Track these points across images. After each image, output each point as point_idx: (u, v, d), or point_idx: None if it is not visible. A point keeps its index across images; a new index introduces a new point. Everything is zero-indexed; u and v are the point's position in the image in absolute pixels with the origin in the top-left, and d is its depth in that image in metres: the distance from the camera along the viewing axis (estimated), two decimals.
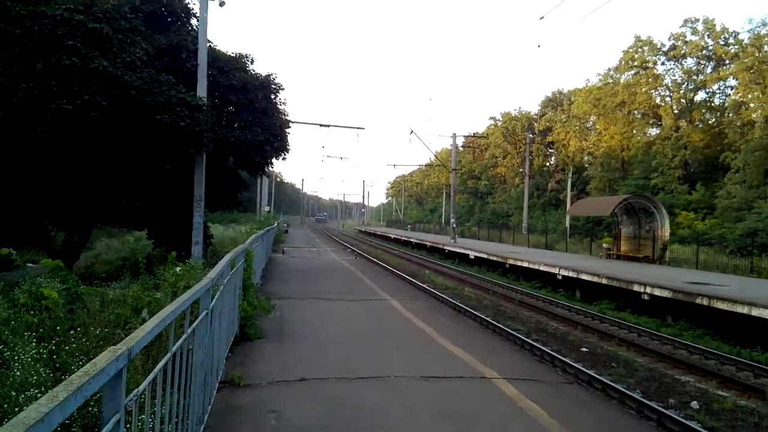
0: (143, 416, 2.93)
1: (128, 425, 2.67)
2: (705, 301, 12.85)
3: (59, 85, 12.68)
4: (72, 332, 5.81)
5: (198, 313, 4.33)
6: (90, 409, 4.06)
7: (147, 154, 14.63)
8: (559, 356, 9.99)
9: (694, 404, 8.23)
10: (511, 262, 23.88)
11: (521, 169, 58.20)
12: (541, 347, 10.65)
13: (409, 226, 73.91)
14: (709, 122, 46.31)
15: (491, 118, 77.53)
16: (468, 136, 60.78)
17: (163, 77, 14.79)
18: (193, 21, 18.25)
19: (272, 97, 19.30)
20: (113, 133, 13.86)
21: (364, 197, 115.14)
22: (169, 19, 17.89)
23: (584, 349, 11.51)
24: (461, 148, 59.53)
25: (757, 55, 38.54)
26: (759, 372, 9.93)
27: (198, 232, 15.40)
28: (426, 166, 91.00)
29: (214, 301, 4.80)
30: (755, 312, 11.50)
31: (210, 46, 16.59)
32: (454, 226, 37.63)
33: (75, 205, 15.04)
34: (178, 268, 8.42)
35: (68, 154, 13.97)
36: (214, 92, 17.30)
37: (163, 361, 3.09)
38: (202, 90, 15.25)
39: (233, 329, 7.90)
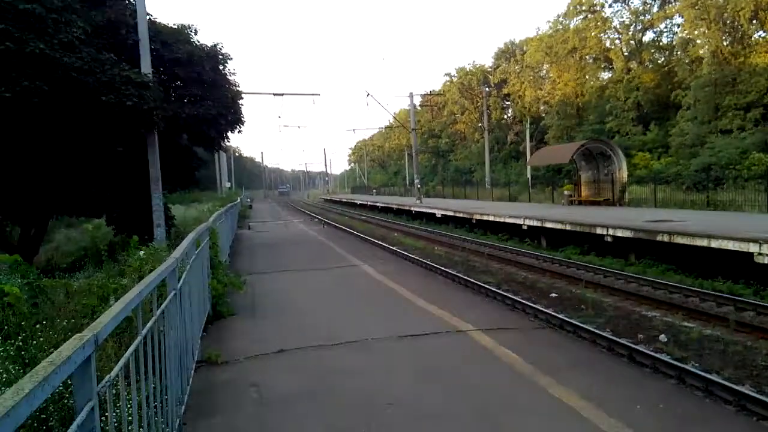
0: (120, 402, 2.87)
1: (106, 413, 2.62)
2: (665, 238, 13.26)
3: None
4: (38, 326, 5.66)
5: (166, 295, 4.25)
6: (66, 401, 3.98)
7: (96, 137, 14.13)
8: (529, 304, 10.21)
9: (662, 337, 8.55)
10: (477, 217, 24.16)
11: (480, 124, 58.49)
12: (512, 297, 10.86)
13: (374, 190, 73.87)
14: (659, 62, 47.15)
15: (447, 74, 77.59)
16: (425, 95, 60.63)
17: (104, 56, 14.17)
18: None
19: (221, 68, 18.78)
20: (58, 119, 13.31)
21: (326, 165, 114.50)
22: None
23: (553, 295, 11.80)
24: (419, 108, 59.35)
25: None
26: (721, 301, 10.35)
27: (159, 214, 15.05)
28: (386, 128, 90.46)
29: (181, 281, 4.71)
30: (714, 244, 11.92)
31: (150, 19, 15.91)
32: (419, 186, 37.76)
33: (27, 197, 14.49)
34: (141, 253, 8.23)
35: (12, 143, 13.37)
36: (159, 67, 16.72)
37: (134, 345, 3.02)
38: (146, 66, 14.67)
39: (205, 308, 7.81)
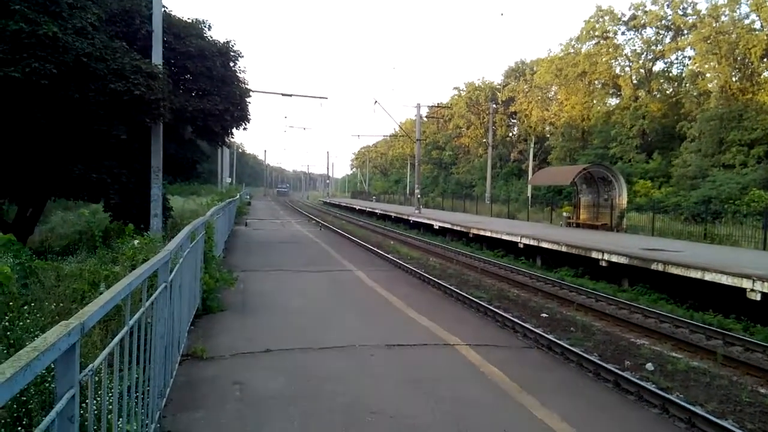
0: (101, 391, 2.87)
1: (87, 400, 2.62)
2: (660, 267, 13.28)
3: (6, 52, 12.07)
4: (26, 308, 5.65)
5: (156, 286, 4.25)
6: (47, 385, 3.97)
7: (101, 124, 14.12)
8: (519, 322, 10.22)
9: (649, 366, 8.55)
10: (475, 231, 24.18)
11: (484, 140, 58.57)
12: (503, 314, 10.87)
13: (374, 197, 73.90)
14: (667, 92, 47.33)
15: (455, 88, 77.62)
16: (432, 107, 60.76)
17: (116, 44, 14.22)
18: None
19: (231, 64, 18.82)
20: (65, 103, 13.32)
21: (328, 168, 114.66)
22: None
23: (544, 315, 11.80)
24: (425, 119, 59.50)
25: (714, 25, 39.29)
26: (711, 334, 10.36)
27: (157, 204, 15.04)
28: (390, 136, 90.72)
29: (173, 274, 4.71)
30: (708, 276, 11.94)
31: (165, 11, 15.98)
32: (419, 196, 37.79)
33: (26, 177, 14.47)
34: (136, 241, 8.25)
35: (17, 123, 13.38)
36: (170, 59, 16.75)
37: (120, 335, 3.02)
38: (157, 57, 14.72)
39: (195, 302, 7.80)
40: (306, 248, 19.44)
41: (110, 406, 3.00)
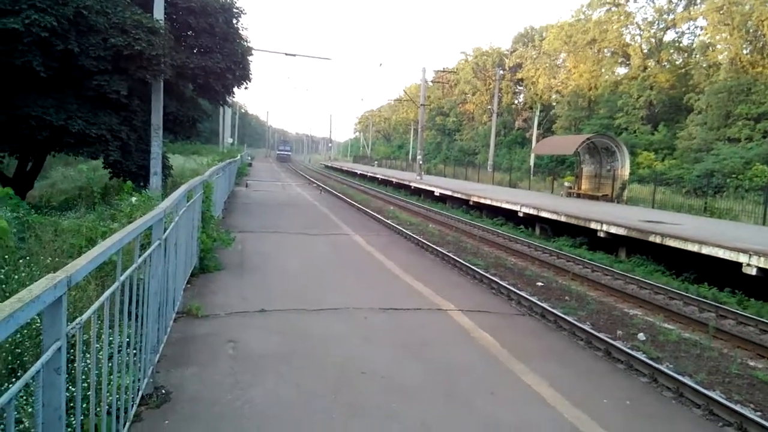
0: (92, 345, 2.90)
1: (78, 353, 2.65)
2: (658, 239, 13.29)
3: (6, 3, 11.90)
4: (22, 261, 5.68)
5: (151, 244, 4.26)
6: (41, 338, 4.01)
7: (101, 79, 13.97)
8: (514, 289, 10.28)
9: (641, 336, 8.63)
10: (475, 199, 24.14)
11: (489, 107, 58.02)
12: (498, 281, 10.92)
13: (376, 162, 73.60)
14: (676, 63, 46.59)
15: (462, 52, 76.68)
16: (438, 71, 59.96)
17: None
18: None
19: (234, 21, 18.51)
20: (64, 56, 13.15)
21: (330, 131, 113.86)
22: None
23: (540, 284, 11.86)
24: (430, 84, 58.74)
25: None
26: (704, 307, 10.43)
27: (156, 162, 15.00)
28: (395, 101, 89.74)
29: (167, 232, 4.71)
30: (705, 250, 11.96)
31: None
32: (421, 162, 37.63)
33: (24, 129, 14.37)
34: (134, 199, 8.25)
35: (16, 74, 13.24)
36: (171, 15, 16.47)
37: (110, 290, 3.03)
38: (158, 12, 14.46)
39: (192, 261, 7.84)
40: (305, 211, 19.46)
41: (101, 360, 3.04)
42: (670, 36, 47.38)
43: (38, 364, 2.12)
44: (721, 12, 37.73)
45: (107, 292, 3.00)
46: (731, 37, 37.78)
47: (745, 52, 37.98)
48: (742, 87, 35.29)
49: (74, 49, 13.13)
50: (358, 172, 53.70)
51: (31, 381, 2.08)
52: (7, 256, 5.62)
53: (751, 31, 37.45)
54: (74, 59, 13.41)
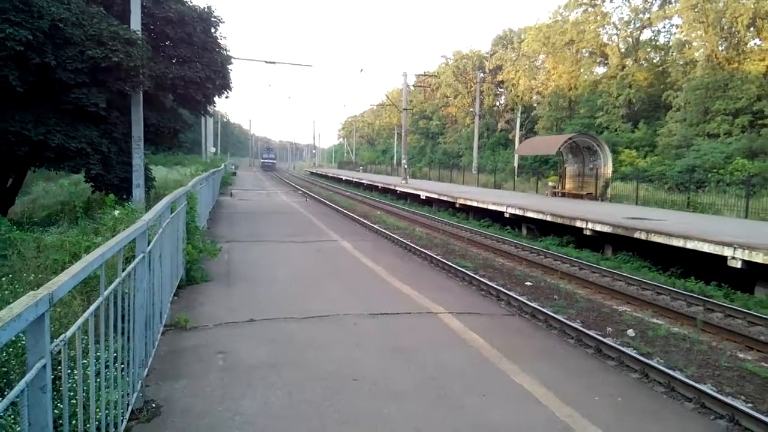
0: (79, 362, 2.84)
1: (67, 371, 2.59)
2: (643, 236, 13.40)
3: None
4: (4, 279, 5.58)
5: (135, 257, 4.19)
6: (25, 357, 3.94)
7: (79, 92, 13.82)
8: (503, 290, 10.30)
9: (630, 332, 8.68)
10: (461, 201, 24.21)
11: (471, 109, 58.29)
12: (487, 282, 10.94)
13: (360, 167, 73.59)
14: (654, 61, 47.20)
15: (443, 56, 77.01)
16: (419, 75, 60.15)
17: (93, 8, 13.87)
18: None
19: (212, 30, 18.45)
20: (41, 69, 12.99)
21: (314, 138, 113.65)
22: None
23: (528, 283, 11.91)
24: (412, 88, 58.90)
25: None
26: (692, 301, 10.52)
27: (138, 174, 14.85)
28: (377, 106, 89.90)
29: (151, 245, 4.64)
30: (690, 245, 12.08)
31: None
32: (406, 166, 37.68)
33: (3, 144, 14.15)
34: (117, 212, 8.14)
35: None
36: (149, 25, 16.37)
37: (94, 306, 2.97)
38: (135, 22, 14.35)
39: (178, 273, 7.75)
40: (291, 219, 19.37)
41: (90, 376, 2.97)
42: (646, 35, 48.08)
43: (22, 383, 2.07)
44: (695, 10, 38.31)
45: (92, 308, 2.94)
46: (706, 35, 38.35)
47: (720, 48, 38.57)
48: (719, 83, 35.81)
49: (51, 62, 12.98)
50: (344, 177, 53.65)
51: (16, 399, 2.02)
52: None
53: (725, 28, 38.06)
54: (51, 72, 13.25)
